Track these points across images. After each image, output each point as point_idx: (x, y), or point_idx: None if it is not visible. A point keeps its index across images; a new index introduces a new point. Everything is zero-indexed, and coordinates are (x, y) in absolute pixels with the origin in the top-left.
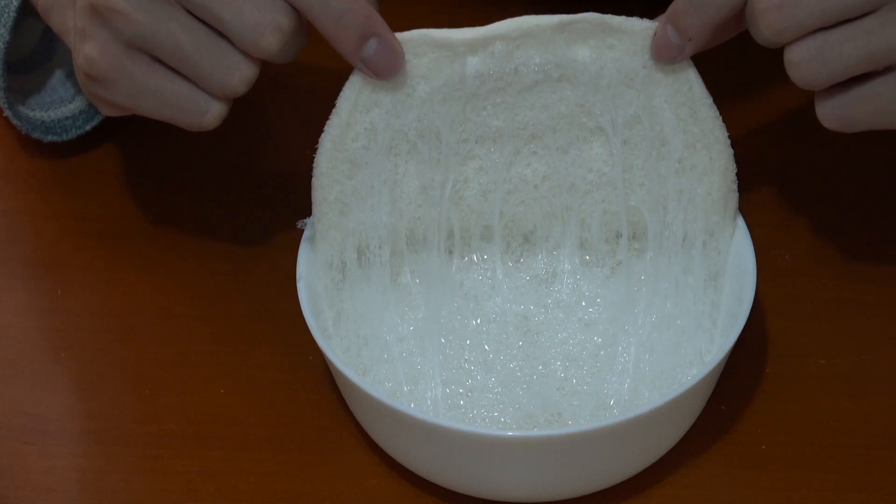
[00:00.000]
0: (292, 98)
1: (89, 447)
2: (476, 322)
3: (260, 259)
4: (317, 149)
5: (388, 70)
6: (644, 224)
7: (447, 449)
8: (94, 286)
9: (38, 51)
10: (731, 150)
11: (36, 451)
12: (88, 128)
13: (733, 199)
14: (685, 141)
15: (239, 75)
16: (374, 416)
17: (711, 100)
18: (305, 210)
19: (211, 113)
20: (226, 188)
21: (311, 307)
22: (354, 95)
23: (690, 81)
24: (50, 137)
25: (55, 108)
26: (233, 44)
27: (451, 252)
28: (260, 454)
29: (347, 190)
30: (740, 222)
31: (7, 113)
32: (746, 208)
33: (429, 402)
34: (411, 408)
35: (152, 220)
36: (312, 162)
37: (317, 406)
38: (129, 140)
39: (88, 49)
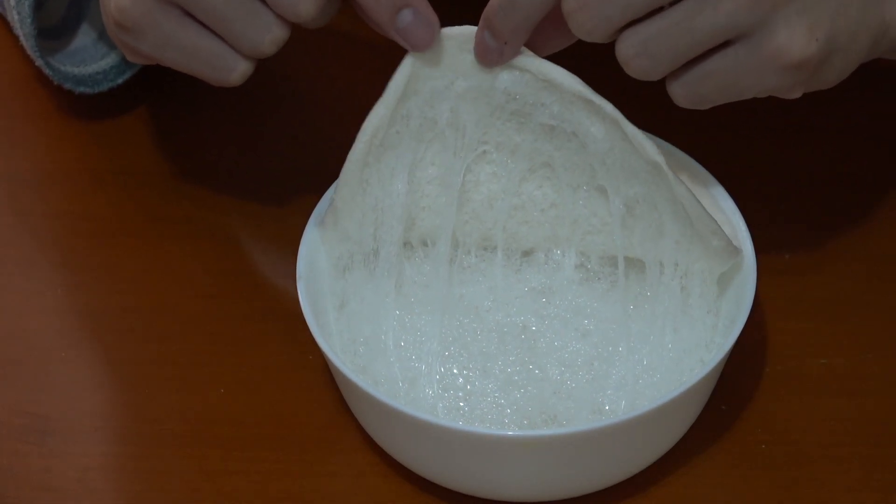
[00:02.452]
0: (292, 99)
1: (89, 447)
2: (475, 331)
3: (260, 259)
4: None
5: (422, 41)
6: (642, 268)
7: (448, 448)
8: (94, 286)
9: (67, 18)
10: (733, 249)
11: (36, 451)
12: (121, 81)
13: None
14: (682, 231)
15: (270, 37)
16: (373, 415)
17: (711, 218)
18: (306, 210)
19: (238, 71)
20: (226, 188)
21: (311, 307)
22: (403, 84)
23: (684, 205)
24: (81, 89)
25: (86, 64)
26: (267, 4)
27: (452, 261)
28: (260, 454)
29: (373, 170)
30: (741, 224)
31: (38, 62)
32: (746, 208)
33: (427, 403)
34: (411, 407)
35: (152, 219)
36: (312, 161)
37: (317, 406)
38: (129, 140)
39: None
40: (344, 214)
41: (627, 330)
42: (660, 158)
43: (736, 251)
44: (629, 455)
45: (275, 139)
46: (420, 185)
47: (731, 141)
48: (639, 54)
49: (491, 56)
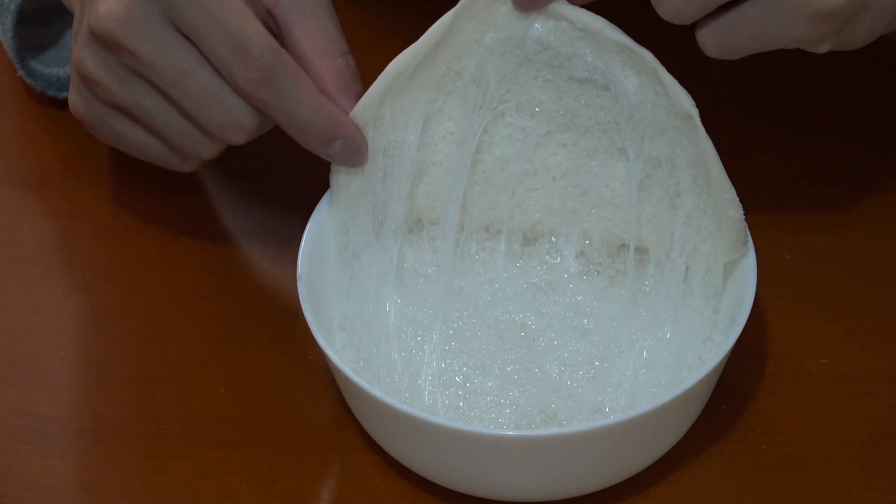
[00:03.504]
0: None
1: (89, 447)
2: (474, 326)
3: (260, 259)
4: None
5: (352, 163)
6: (647, 249)
7: (447, 448)
8: (94, 286)
9: (55, 2)
10: (744, 228)
11: (36, 451)
12: None
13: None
14: (696, 203)
15: (205, 151)
16: (372, 414)
17: (731, 185)
18: (306, 210)
19: (187, 166)
20: (225, 187)
21: (312, 306)
22: (437, 38)
23: (707, 162)
24: (65, 94)
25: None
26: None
27: (455, 246)
28: (260, 454)
29: (387, 111)
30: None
31: (20, 72)
32: (746, 208)
33: (426, 402)
34: (410, 407)
35: (152, 219)
36: (312, 161)
37: (317, 406)
38: None
39: (73, 99)
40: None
41: (627, 325)
42: (694, 111)
43: (745, 238)
44: (629, 455)
45: (275, 139)
46: (433, 139)
47: (730, 141)
48: None
49: (529, 1)
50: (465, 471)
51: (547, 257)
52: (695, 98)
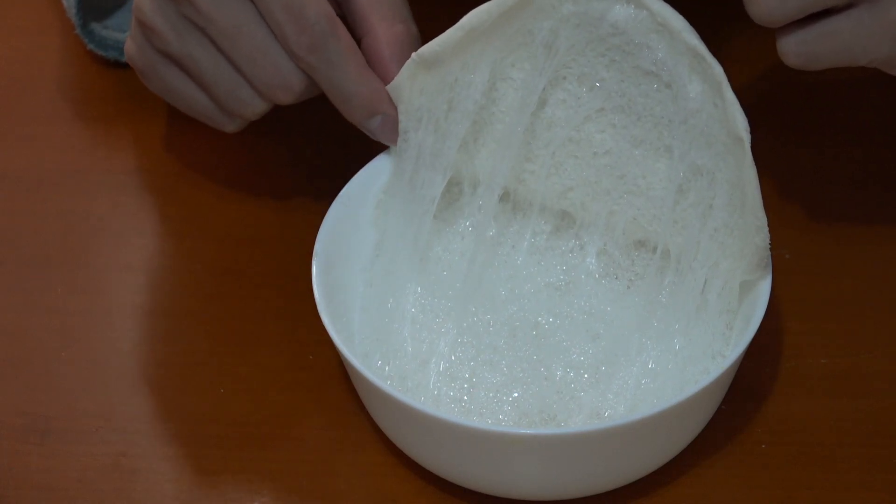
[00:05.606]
0: None
1: (89, 447)
2: (488, 322)
3: (261, 258)
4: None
5: (390, 139)
6: (669, 251)
7: (444, 441)
8: (94, 286)
9: None
10: (767, 255)
11: (36, 451)
12: None
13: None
14: (726, 221)
15: (251, 110)
16: (373, 399)
17: (764, 214)
18: (308, 209)
19: (230, 127)
20: (227, 188)
21: (324, 288)
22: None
23: (746, 186)
24: (125, 58)
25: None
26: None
27: (493, 218)
28: (260, 454)
29: (458, 53)
30: None
31: (78, 31)
32: None
33: (432, 392)
34: (409, 397)
35: (152, 220)
36: (317, 161)
37: (317, 406)
38: (129, 140)
39: (128, 45)
40: (431, 63)
41: (638, 334)
42: (746, 135)
43: (767, 264)
44: (626, 460)
45: (276, 139)
46: (497, 89)
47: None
48: None
49: None
50: (472, 467)
51: (570, 255)
52: None
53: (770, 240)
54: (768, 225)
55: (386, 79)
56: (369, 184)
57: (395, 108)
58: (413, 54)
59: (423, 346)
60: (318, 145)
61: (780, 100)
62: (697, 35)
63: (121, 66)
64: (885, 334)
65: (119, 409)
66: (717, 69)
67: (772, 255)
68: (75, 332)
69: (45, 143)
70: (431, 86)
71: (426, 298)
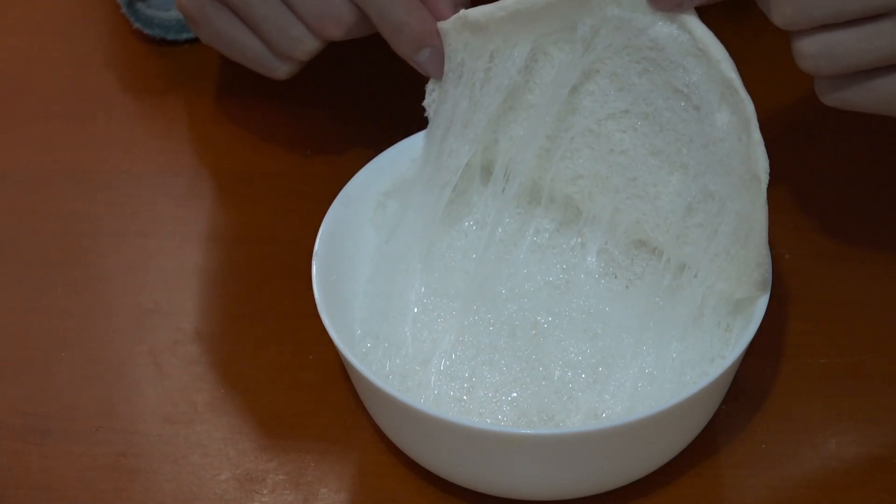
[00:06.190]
0: (291, 100)
1: (89, 447)
2: (489, 322)
3: (260, 259)
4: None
5: (435, 74)
6: (669, 259)
7: (442, 441)
8: (94, 286)
9: None
10: (766, 286)
11: (36, 451)
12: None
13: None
14: (727, 249)
15: (302, 48)
16: (373, 397)
17: (768, 253)
18: (307, 210)
19: (280, 71)
20: (226, 187)
21: (323, 284)
22: None
23: (754, 225)
24: (171, 35)
25: (168, 9)
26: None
27: (504, 206)
28: (260, 454)
29: (502, 29)
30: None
31: (124, 10)
32: None
33: (432, 392)
34: (409, 396)
35: (152, 219)
36: (317, 162)
37: (317, 406)
38: (129, 140)
39: None
40: (475, 28)
41: (636, 338)
42: (765, 176)
43: (765, 288)
44: (626, 460)
45: (275, 140)
46: (533, 71)
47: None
48: (821, 54)
49: (668, 4)
50: (461, 464)
51: (570, 253)
52: None
53: (769, 240)
54: (767, 226)
55: (435, 14)
56: (369, 184)
57: (443, 44)
58: (461, 11)
59: (425, 345)
60: (319, 145)
61: (780, 100)
62: (735, 68)
63: (166, 44)
64: (885, 334)
65: (119, 409)
66: (749, 106)
67: (772, 255)
68: (75, 332)
69: (45, 143)
70: (474, 44)
71: (429, 297)
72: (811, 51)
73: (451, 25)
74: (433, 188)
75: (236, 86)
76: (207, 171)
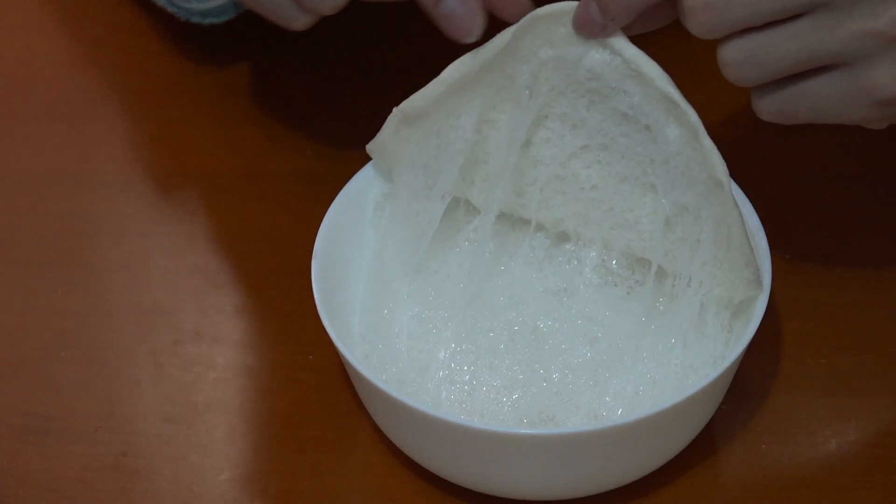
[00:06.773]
0: (290, 100)
1: (89, 447)
2: (488, 329)
3: (260, 259)
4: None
5: (463, 30)
6: (663, 276)
7: (445, 442)
8: (94, 286)
9: None
10: (758, 284)
11: (36, 451)
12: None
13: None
14: (714, 254)
15: (329, 2)
16: (374, 400)
17: (751, 249)
18: (306, 210)
19: (299, 22)
20: (226, 187)
21: (323, 290)
22: (499, 51)
23: (731, 227)
24: (210, 20)
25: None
26: None
27: (490, 236)
28: (260, 454)
29: (441, 106)
30: (762, 242)
31: (161, 1)
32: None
33: (431, 395)
34: (412, 398)
35: (152, 219)
36: (317, 162)
37: (317, 406)
38: (130, 140)
39: None
40: (414, 118)
41: (637, 342)
42: (725, 179)
43: (759, 286)
44: (626, 460)
45: (275, 140)
46: (486, 130)
47: (730, 140)
48: (745, 60)
49: (592, 29)
50: (461, 464)
51: (567, 267)
52: (694, 95)
53: (769, 241)
54: (767, 224)
55: None
56: (369, 184)
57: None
58: (395, 109)
59: (424, 353)
60: (318, 145)
61: None
62: (672, 82)
63: (201, 29)
64: (884, 334)
65: (119, 409)
66: (693, 116)
67: (772, 255)
68: (75, 332)
69: (45, 143)
70: (416, 136)
71: (424, 310)
72: (735, 57)
73: (388, 131)
74: (410, 241)
75: (236, 86)
76: (207, 171)
